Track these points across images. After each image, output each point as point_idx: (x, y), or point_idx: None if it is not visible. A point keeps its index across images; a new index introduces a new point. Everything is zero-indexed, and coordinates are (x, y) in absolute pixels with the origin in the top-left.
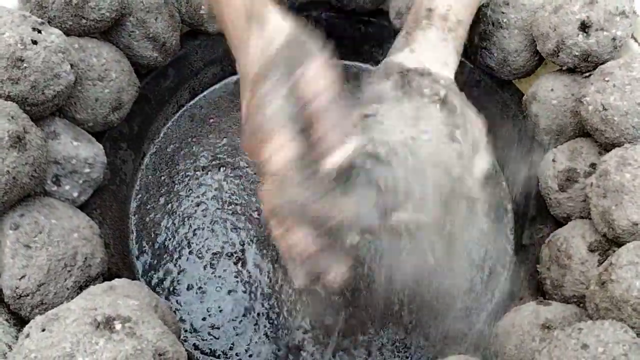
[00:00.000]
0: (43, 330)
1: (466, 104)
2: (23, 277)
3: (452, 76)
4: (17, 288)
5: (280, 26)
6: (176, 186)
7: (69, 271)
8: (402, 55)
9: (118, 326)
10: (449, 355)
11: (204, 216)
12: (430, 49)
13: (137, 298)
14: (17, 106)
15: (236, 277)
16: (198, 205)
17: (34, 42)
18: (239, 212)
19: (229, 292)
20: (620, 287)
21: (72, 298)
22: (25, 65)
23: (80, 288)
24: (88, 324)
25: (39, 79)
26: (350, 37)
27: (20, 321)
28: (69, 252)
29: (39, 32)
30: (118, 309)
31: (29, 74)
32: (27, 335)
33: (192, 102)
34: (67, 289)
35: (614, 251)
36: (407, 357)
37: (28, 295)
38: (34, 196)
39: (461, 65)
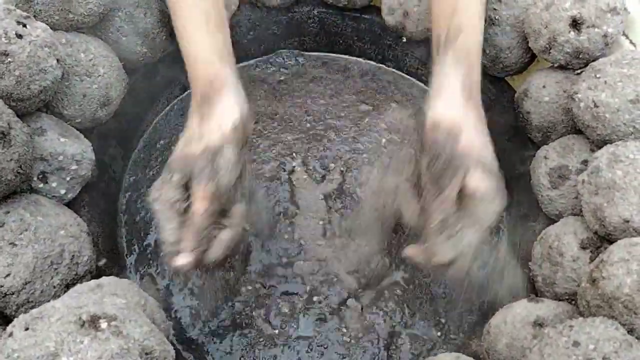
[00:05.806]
0: (26, 329)
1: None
2: (8, 275)
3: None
4: (1, 286)
5: (228, 110)
6: None
7: (56, 269)
8: (433, 112)
9: (104, 325)
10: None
11: None
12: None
13: (125, 296)
14: (2, 101)
15: (229, 275)
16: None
17: (19, 36)
18: None
19: (221, 291)
20: (612, 284)
21: (59, 296)
22: (9, 59)
23: (67, 286)
24: (73, 322)
25: (24, 74)
26: (342, 33)
27: (5, 320)
28: (55, 250)
29: (24, 26)
30: (104, 308)
31: (14, 69)
32: (10, 335)
33: (182, 97)
34: (54, 287)
35: (606, 248)
36: None
37: (13, 293)
38: (20, 193)
39: None
